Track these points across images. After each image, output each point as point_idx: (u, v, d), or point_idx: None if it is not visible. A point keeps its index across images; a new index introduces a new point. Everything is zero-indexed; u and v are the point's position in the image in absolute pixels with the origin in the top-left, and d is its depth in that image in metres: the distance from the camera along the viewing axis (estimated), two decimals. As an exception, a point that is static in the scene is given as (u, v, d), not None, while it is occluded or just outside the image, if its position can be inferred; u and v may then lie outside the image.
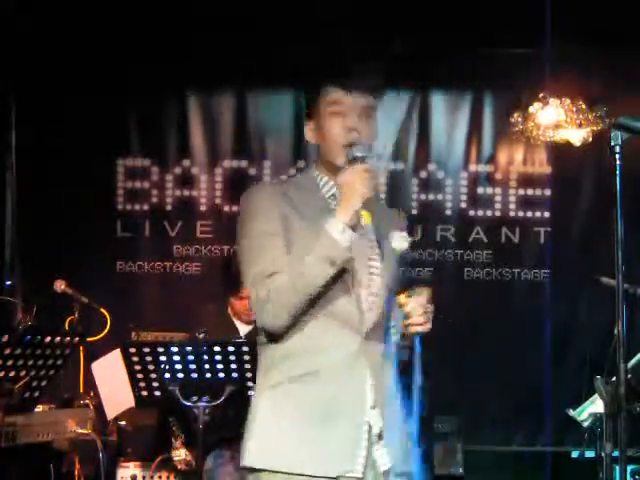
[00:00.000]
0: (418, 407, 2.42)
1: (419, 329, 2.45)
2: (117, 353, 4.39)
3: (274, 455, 2.41)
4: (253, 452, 2.44)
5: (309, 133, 2.57)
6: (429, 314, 2.44)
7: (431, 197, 6.52)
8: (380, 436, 2.45)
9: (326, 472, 2.38)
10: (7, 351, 3.93)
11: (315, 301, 2.39)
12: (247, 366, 3.97)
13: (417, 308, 2.42)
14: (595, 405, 4.16)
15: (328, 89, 2.51)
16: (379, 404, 2.46)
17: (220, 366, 4.01)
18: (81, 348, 4.93)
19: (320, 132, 2.53)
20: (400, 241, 2.51)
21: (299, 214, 2.46)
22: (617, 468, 3.32)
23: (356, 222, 2.38)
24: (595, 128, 6.03)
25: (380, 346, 2.52)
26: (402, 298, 2.42)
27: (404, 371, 2.58)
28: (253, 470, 2.44)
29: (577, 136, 6.06)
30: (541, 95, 6.06)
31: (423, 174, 6.52)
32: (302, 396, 2.41)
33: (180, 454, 4.51)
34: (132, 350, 4.25)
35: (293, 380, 2.43)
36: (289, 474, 2.39)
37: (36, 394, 4.19)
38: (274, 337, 2.46)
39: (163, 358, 4.15)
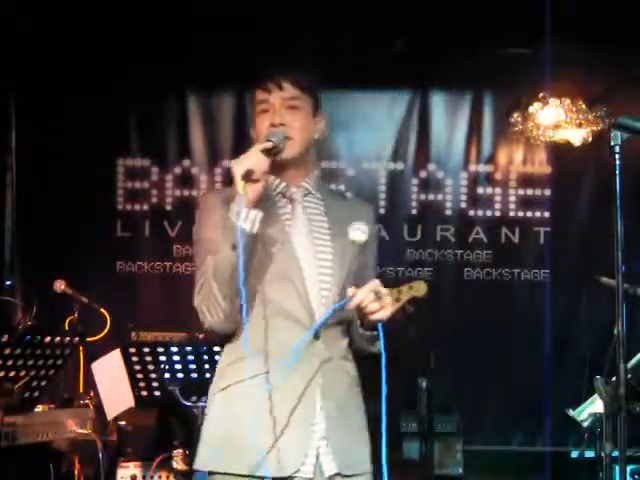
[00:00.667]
0: (385, 403, 2.39)
1: (376, 317, 2.38)
2: (117, 353, 4.40)
3: (223, 458, 2.42)
4: (203, 455, 2.47)
5: (253, 133, 2.62)
6: (383, 300, 2.37)
7: (431, 197, 6.51)
8: (327, 439, 2.43)
9: (276, 473, 2.37)
10: (7, 351, 3.93)
11: (238, 288, 2.32)
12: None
13: (367, 295, 2.35)
14: (595, 405, 4.16)
15: (256, 92, 2.59)
16: (329, 406, 2.44)
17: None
18: (81, 348, 4.93)
19: (255, 131, 2.60)
20: (356, 232, 2.44)
21: None
22: (617, 468, 3.31)
23: (252, 198, 2.36)
24: (595, 128, 6.04)
25: (336, 345, 2.49)
26: (350, 290, 2.37)
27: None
28: (205, 473, 2.46)
29: (577, 136, 6.07)
30: (541, 95, 6.06)
31: (423, 174, 6.52)
32: (250, 398, 2.41)
33: (180, 454, 4.51)
34: (132, 350, 4.26)
35: (242, 382, 2.43)
36: (239, 475, 2.40)
37: (36, 394, 4.19)
38: (227, 340, 2.49)
39: (163, 358, 4.15)
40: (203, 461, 2.48)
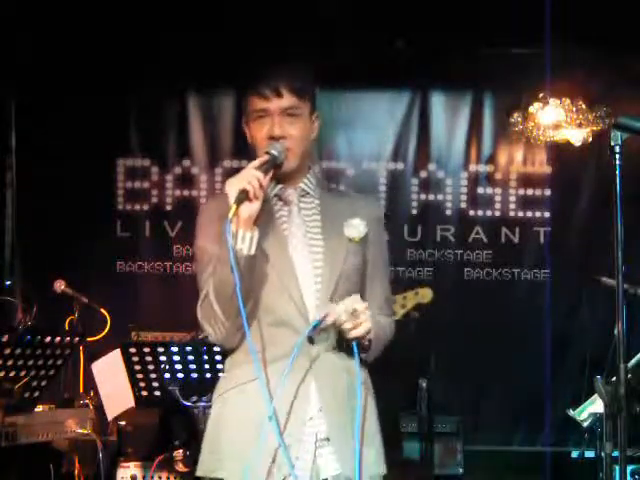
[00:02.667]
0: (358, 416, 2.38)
1: (351, 335, 2.35)
2: (117, 353, 4.40)
3: (219, 463, 2.42)
4: (203, 462, 2.48)
5: (248, 139, 2.58)
6: (359, 318, 2.33)
7: (431, 197, 6.52)
8: (327, 441, 2.42)
9: (269, 477, 2.36)
10: (7, 351, 3.93)
11: (244, 305, 2.33)
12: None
13: (340, 315, 2.32)
14: (595, 405, 4.16)
15: (250, 98, 2.53)
16: (326, 409, 2.42)
17: (220, 366, 4.01)
18: (81, 348, 4.94)
19: (251, 139, 2.55)
20: (350, 229, 2.41)
21: None
22: (617, 468, 3.31)
23: (247, 219, 2.32)
24: (595, 128, 6.04)
25: (332, 350, 2.46)
26: (326, 309, 2.35)
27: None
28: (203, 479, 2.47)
29: (577, 136, 6.07)
30: (541, 95, 6.07)
31: (423, 174, 6.52)
32: (245, 403, 2.41)
33: (180, 454, 4.51)
34: (132, 350, 4.27)
35: (236, 388, 2.44)
36: None
37: (36, 394, 4.19)
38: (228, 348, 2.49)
39: (163, 358, 4.16)
40: (203, 467, 2.48)
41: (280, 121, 2.47)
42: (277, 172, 2.46)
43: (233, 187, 2.32)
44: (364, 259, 2.52)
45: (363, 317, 2.34)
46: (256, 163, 2.38)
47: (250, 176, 2.34)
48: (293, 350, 2.38)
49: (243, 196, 2.30)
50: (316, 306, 2.44)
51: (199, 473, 2.49)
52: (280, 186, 2.55)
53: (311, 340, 2.42)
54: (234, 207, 2.29)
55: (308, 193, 2.57)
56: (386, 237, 2.65)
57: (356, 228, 2.41)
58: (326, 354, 2.44)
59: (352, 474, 2.40)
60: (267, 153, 2.42)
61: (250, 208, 2.33)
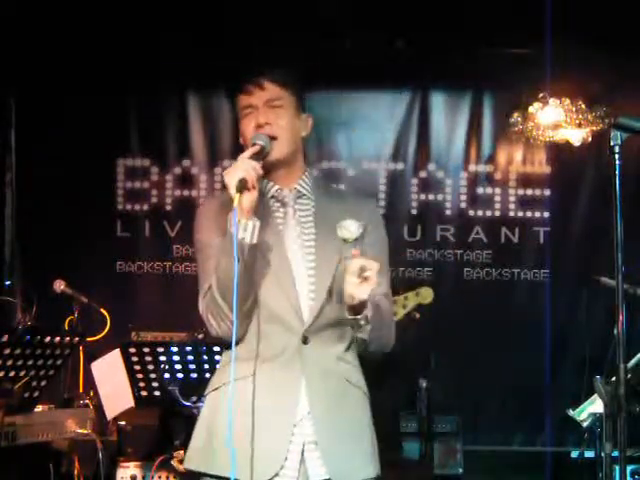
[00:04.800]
0: None
1: (354, 292, 2.29)
2: (117, 353, 4.40)
3: (206, 458, 2.43)
4: (190, 454, 2.50)
5: (240, 140, 2.60)
6: (367, 276, 2.27)
7: (431, 197, 6.52)
8: (314, 444, 2.41)
9: (253, 476, 2.36)
10: (7, 351, 3.93)
11: (246, 299, 2.36)
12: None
13: (353, 266, 2.28)
14: (595, 405, 4.16)
15: (238, 97, 2.57)
16: (315, 412, 2.42)
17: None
18: (81, 348, 4.93)
19: (242, 136, 2.57)
20: (342, 230, 2.38)
21: None
22: (617, 468, 3.31)
23: (248, 207, 2.34)
24: (595, 128, 6.03)
25: (328, 349, 2.46)
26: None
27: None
28: (190, 472, 2.48)
29: (577, 136, 6.07)
30: (541, 95, 6.06)
31: (423, 174, 6.52)
32: (235, 399, 2.38)
33: (181, 454, 4.51)
34: (132, 350, 4.27)
35: (229, 384, 2.42)
36: (218, 477, 2.40)
37: (36, 394, 4.19)
38: (225, 345, 2.50)
39: (163, 358, 4.16)
40: (189, 460, 2.50)
41: (265, 112, 2.51)
42: (267, 161, 2.46)
43: (232, 177, 2.33)
44: None
45: (370, 273, 2.28)
46: (247, 154, 2.40)
47: (246, 165, 2.36)
48: (286, 350, 2.40)
49: (243, 185, 2.32)
50: (310, 306, 2.45)
51: (190, 466, 2.48)
52: (276, 187, 2.56)
53: (305, 340, 2.43)
54: (237, 196, 2.31)
55: (304, 194, 2.58)
56: (385, 237, 2.63)
57: (348, 229, 2.39)
58: (318, 356, 2.44)
59: (341, 478, 2.40)
60: (255, 144, 2.43)
61: (251, 197, 2.35)
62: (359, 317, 2.37)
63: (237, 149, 2.51)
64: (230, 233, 2.32)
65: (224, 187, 2.37)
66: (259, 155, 2.41)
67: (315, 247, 2.50)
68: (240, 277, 2.28)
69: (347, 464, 2.44)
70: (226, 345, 2.50)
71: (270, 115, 2.50)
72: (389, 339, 2.55)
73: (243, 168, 2.35)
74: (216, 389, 2.50)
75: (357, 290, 2.29)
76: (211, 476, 2.43)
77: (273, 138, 2.47)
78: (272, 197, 2.56)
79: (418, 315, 4.79)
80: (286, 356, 2.42)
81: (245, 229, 2.34)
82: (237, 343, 2.39)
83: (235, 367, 2.35)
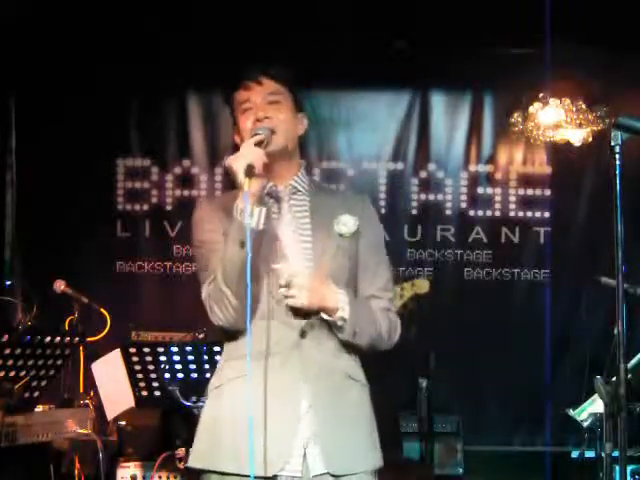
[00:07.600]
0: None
1: (289, 302, 2.40)
2: (117, 353, 4.40)
3: (211, 455, 2.44)
4: (194, 453, 2.50)
5: (236, 138, 2.61)
6: (292, 288, 2.37)
7: (431, 197, 6.52)
8: (315, 438, 2.42)
9: (260, 472, 2.36)
10: (7, 351, 3.93)
11: (246, 285, 2.35)
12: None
13: (283, 277, 2.38)
14: (595, 405, 4.16)
15: (235, 94, 2.59)
16: (316, 407, 2.42)
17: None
18: (81, 348, 4.93)
19: (239, 133, 2.58)
20: (340, 226, 2.42)
21: None
22: (617, 468, 3.31)
23: (256, 193, 2.37)
24: (595, 128, 6.03)
25: (325, 344, 2.47)
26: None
27: None
28: (193, 470, 2.48)
29: (577, 136, 6.06)
30: (541, 95, 6.06)
31: (423, 174, 6.53)
32: (237, 397, 2.42)
33: (180, 454, 4.51)
34: (132, 350, 4.26)
35: (229, 382, 2.45)
36: (225, 474, 2.41)
37: (36, 394, 4.19)
38: (227, 339, 2.51)
39: (163, 358, 4.15)
40: (194, 459, 2.50)
41: (264, 107, 2.54)
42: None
43: (240, 163, 2.35)
44: (356, 255, 2.53)
45: (295, 291, 2.37)
46: (252, 141, 2.42)
47: (253, 152, 2.38)
48: (284, 345, 2.41)
49: (251, 170, 2.34)
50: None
51: (196, 465, 2.48)
52: (271, 184, 2.56)
53: (303, 334, 2.44)
54: (247, 181, 2.33)
55: (299, 191, 2.59)
56: (382, 233, 2.65)
57: (345, 224, 2.43)
58: (317, 350, 2.45)
59: (340, 472, 2.42)
60: (257, 134, 2.45)
61: (258, 182, 2.38)
62: (331, 319, 2.42)
63: (237, 149, 2.51)
64: (238, 220, 2.35)
65: (227, 174, 2.40)
66: (260, 145, 2.43)
67: (312, 242, 2.51)
68: (245, 262, 2.29)
69: (346, 458, 2.45)
70: (227, 337, 2.50)
71: (269, 110, 2.53)
72: (378, 338, 2.54)
73: (250, 154, 2.37)
74: (217, 387, 2.50)
75: (289, 300, 2.39)
76: (217, 473, 2.43)
77: (272, 131, 2.49)
78: (267, 194, 2.56)
79: (415, 305, 4.76)
80: (285, 351, 2.43)
81: (252, 215, 2.36)
82: (235, 338, 2.44)
83: (237, 364, 2.38)
